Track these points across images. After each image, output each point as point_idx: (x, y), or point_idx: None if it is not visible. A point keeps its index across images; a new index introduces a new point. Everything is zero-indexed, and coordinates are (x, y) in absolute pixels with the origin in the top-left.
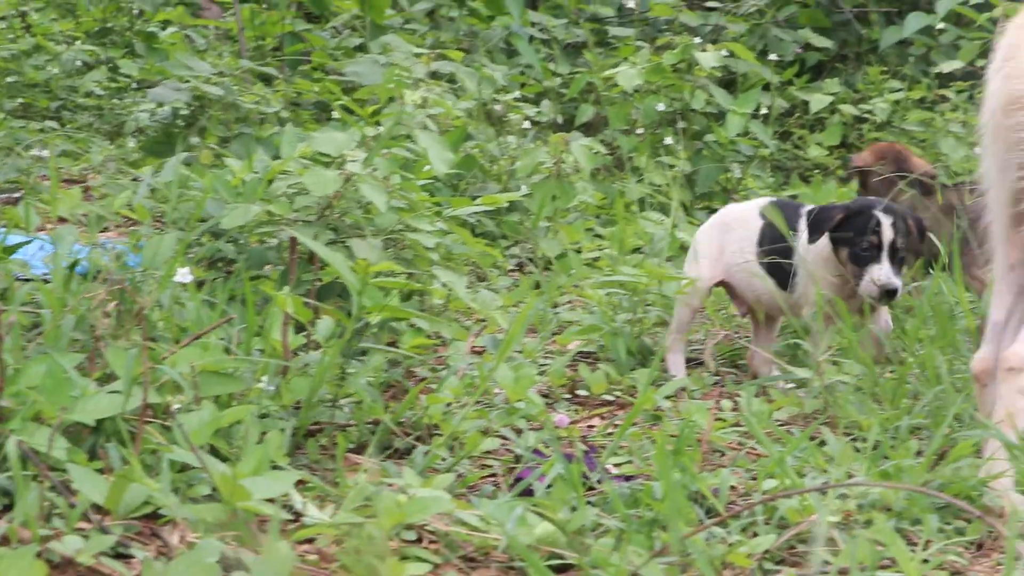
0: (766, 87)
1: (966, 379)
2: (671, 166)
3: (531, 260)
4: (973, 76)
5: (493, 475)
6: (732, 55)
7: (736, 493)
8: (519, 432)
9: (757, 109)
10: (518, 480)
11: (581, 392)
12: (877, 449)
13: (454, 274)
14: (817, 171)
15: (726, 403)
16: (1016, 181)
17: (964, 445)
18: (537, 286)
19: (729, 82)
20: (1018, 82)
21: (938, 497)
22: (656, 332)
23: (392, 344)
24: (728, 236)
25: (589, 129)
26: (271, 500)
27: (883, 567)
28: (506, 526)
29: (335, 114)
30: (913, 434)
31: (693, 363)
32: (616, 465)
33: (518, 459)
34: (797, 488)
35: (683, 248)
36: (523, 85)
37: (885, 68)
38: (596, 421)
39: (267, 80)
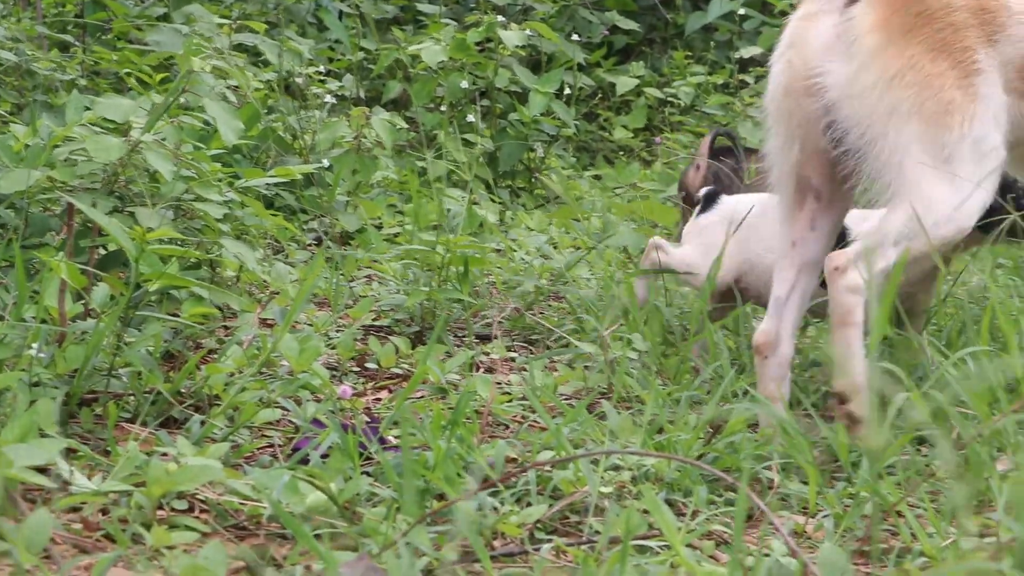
0: (574, 68)
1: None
2: (474, 144)
3: (327, 235)
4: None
5: (271, 445)
6: (539, 35)
7: (515, 465)
8: (300, 403)
9: (562, 90)
10: (296, 450)
11: (371, 366)
12: (653, 423)
13: (244, 246)
14: (622, 153)
15: (515, 377)
16: (797, 161)
17: (738, 420)
18: (329, 260)
19: (538, 63)
20: (799, 68)
21: (706, 470)
22: (451, 308)
23: (175, 315)
24: (747, 231)
25: (397, 106)
26: (42, 470)
27: (652, 536)
28: (272, 494)
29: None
30: (692, 409)
31: (484, 337)
32: (397, 437)
33: (299, 430)
34: (574, 457)
35: (482, 225)
36: (332, 60)
37: (690, 53)
38: (384, 394)
39: (65, 47)
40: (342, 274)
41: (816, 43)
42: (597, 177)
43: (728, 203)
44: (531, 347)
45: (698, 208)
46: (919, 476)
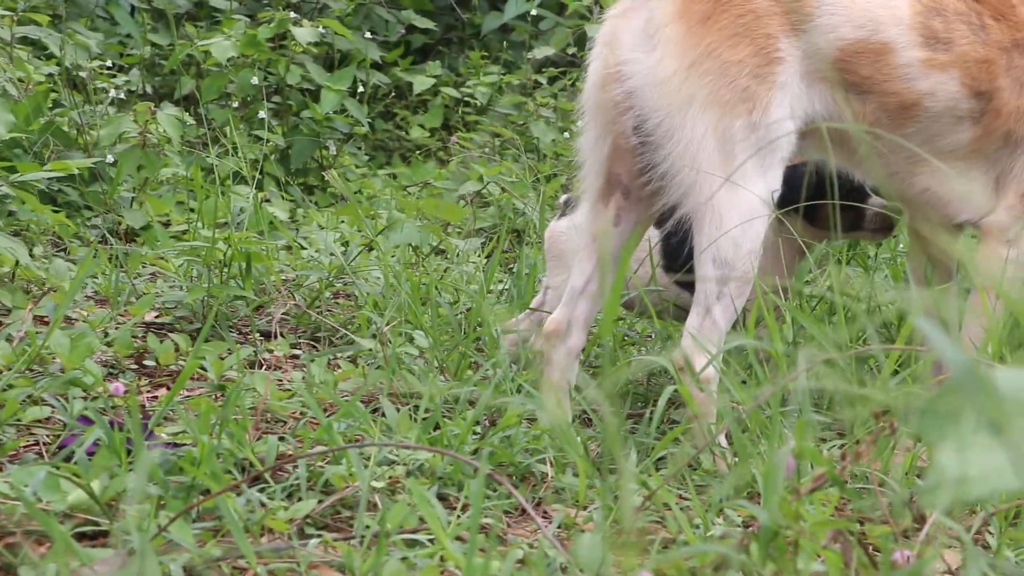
0: (367, 66)
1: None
2: (266, 140)
3: (113, 232)
4: (568, 63)
5: (38, 443)
6: (333, 32)
7: (289, 460)
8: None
9: (356, 88)
10: (62, 448)
11: (150, 363)
12: (429, 418)
13: (16, 241)
14: (418, 152)
15: (297, 374)
16: (607, 156)
17: (512, 414)
18: (113, 259)
19: (333, 61)
20: (611, 63)
21: (473, 463)
22: (234, 305)
23: None
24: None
25: (189, 102)
26: None
27: (420, 530)
28: (25, 492)
29: None
30: (471, 404)
31: (269, 334)
32: (172, 435)
33: (66, 427)
34: (338, 449)
35: (272, 224)
36: (122, 55)
37: (486, 53)
38: (163, 392)
39: None
40: (125, 271)
41: (626, 37)
42: (393, 176)
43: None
44: (316, 344)
45: (558, 214)
46: (687, 468)
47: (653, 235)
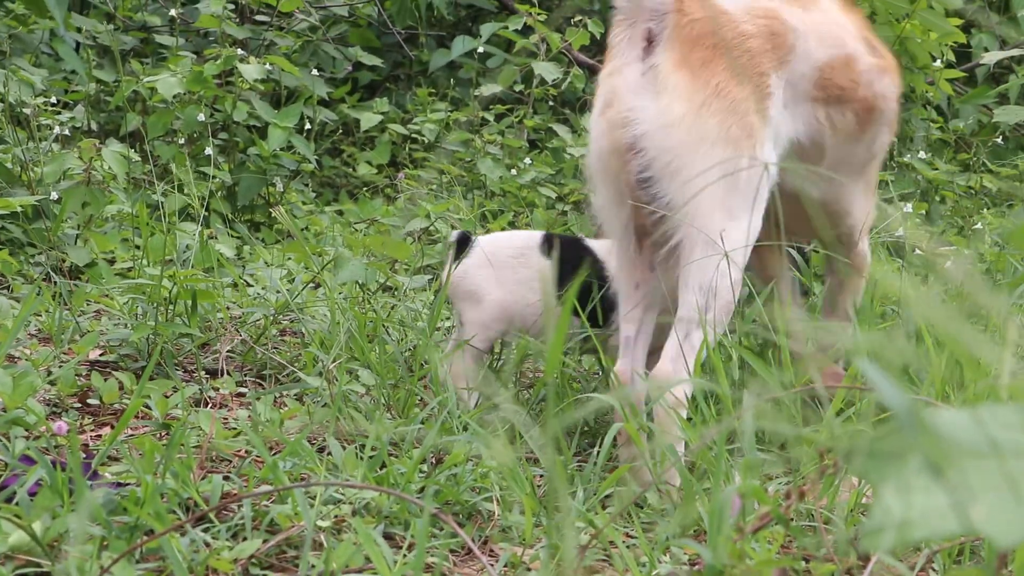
0: (314, 103)
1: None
2: (212, 177)
3: (57, 270)
4: (515, 100)
5: None
6: (280, 69)
7: (234, 499)
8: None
9: (303, 124)
10: (2, 488)
11: (94, 402)
12: (376, 456)
13: None
14: (366, 188)
15: (243, 412)
16: (629, 215)
17: (458, 452)
18: (56, 296)
19: (280, 98)
20: (618, 130)
21: (417, 503)
22: (180, 342)
23: None
24: (506, 273)
25: (135, 139)
26: None
27: (368, 569)
28: None
29: None
30: (417, 442)
31: (215, 372)
32: (116, 474)
33: (7, 467)
34: (283, 488)
35: (219, 260)
36: (66, 92)
37: (434, 90)
38: (107, 431)
39: None
40: (68, 309)
41: (626, 92)
42: (340, 212)
43: (482, 245)
44: (262, 382)
45: (452, 251)
46: (634, 506)
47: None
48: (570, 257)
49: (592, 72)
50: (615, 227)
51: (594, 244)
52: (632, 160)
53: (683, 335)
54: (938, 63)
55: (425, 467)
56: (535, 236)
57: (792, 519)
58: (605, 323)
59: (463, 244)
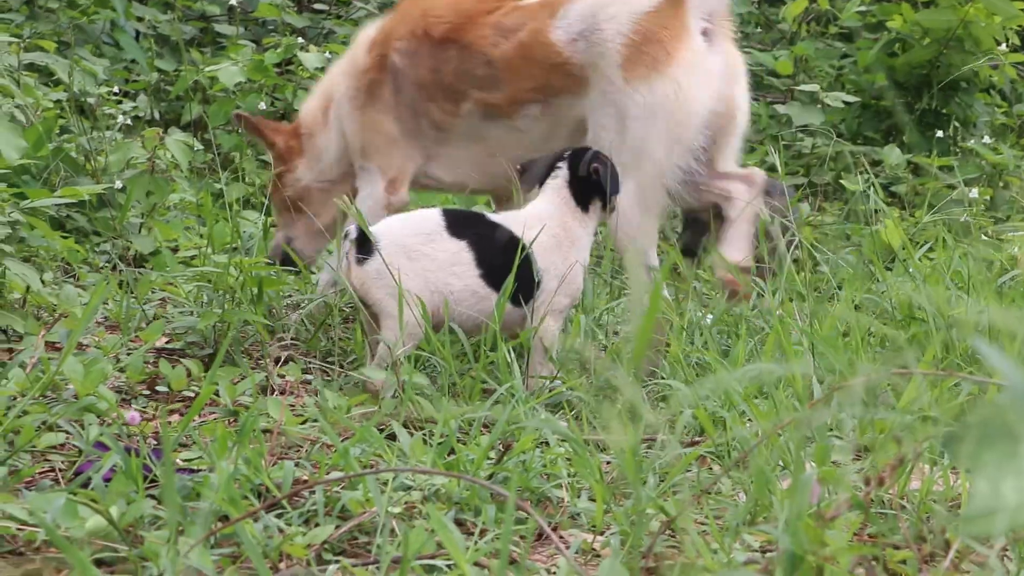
0: None
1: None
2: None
3: (122, 258)
4: None
5: (53, 470)
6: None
7: (306, 486)
8: (84, 427)
9: None
10: (78, 474)
11: (162, 389)
12: (444, 442)
13: (28, 267)
14: None
15: (309, 399)
16: None
17: (526, 439)
18: (122, 284)
19: None
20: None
21: (492, 489)
22: (246, 330)
23: None
24: (424, 261)
25: (196, 128)
26: None
27: (439, 555)
28: (47, 518)
29: None
30: (485, 428)
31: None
32: (187, 460)
33: (81, 454)
34: (356, 475)
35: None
36: (127, 81)
37: None
38: (176, 418)
39: None
40: (135, 297)
41: None
42: None
43: (384, 235)
44: (327, 370)
45: (354, 249)
46: (704, 493)
47: None
48: (486, 235)
49: None
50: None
51: (500, 218)
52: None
53: None
54: (1003, 47)
55: (493, 454)
56: (434, 216)
57: (869, 506)
58: (527, 302)
59: (362, 242)
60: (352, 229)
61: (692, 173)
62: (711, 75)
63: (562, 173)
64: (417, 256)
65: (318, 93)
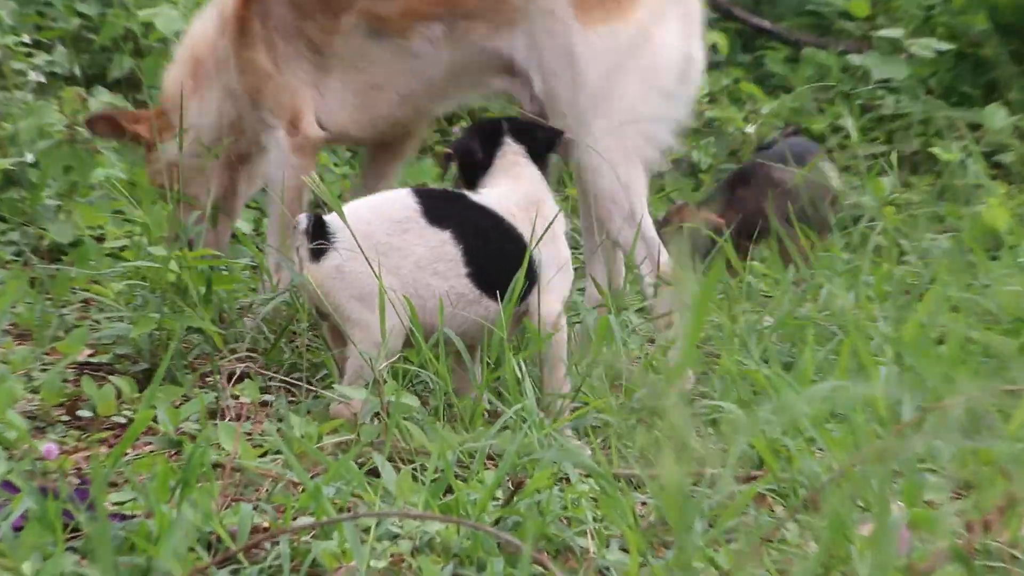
0: None
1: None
2: None
3: (34, 250)
4: None
5: None
6: None
7: (267, 535)
8: None
9: None
10: None
11: (85, 413)
12: (439, 479)
13: None
14: None
15: (270, 425)
16: None
17: (542, 475)
18: (34, 283)
19: None
20: None
21: (501, 537)
22: (190, 339)
23: None
24: (395, 256)
25: (126, 86)
26: None
27: None
28: None
29: None
30: (490, 460)
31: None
32: (119, 504)
33: None
34: (330, 522)
35: (234, 237)
36: (39, 28)
37: None
38: (103, 449)
39: None
40: (50, 298)
41: None
42: None
43: (349, 222)
44: (292, 389)
45: (307, 244)
46: (765, 541)
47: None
48: (472, 221)
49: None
50: None
51: (484, 198)
52: None
53: None
54: None
55: (501, 493)
56: (405, 199)
57: (974, 556)
58: (526, 297)
59: (318, 231)
60: (302, 219)
61: None
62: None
63: (518, 148)
64: (387, 249)
65: (180, 59)
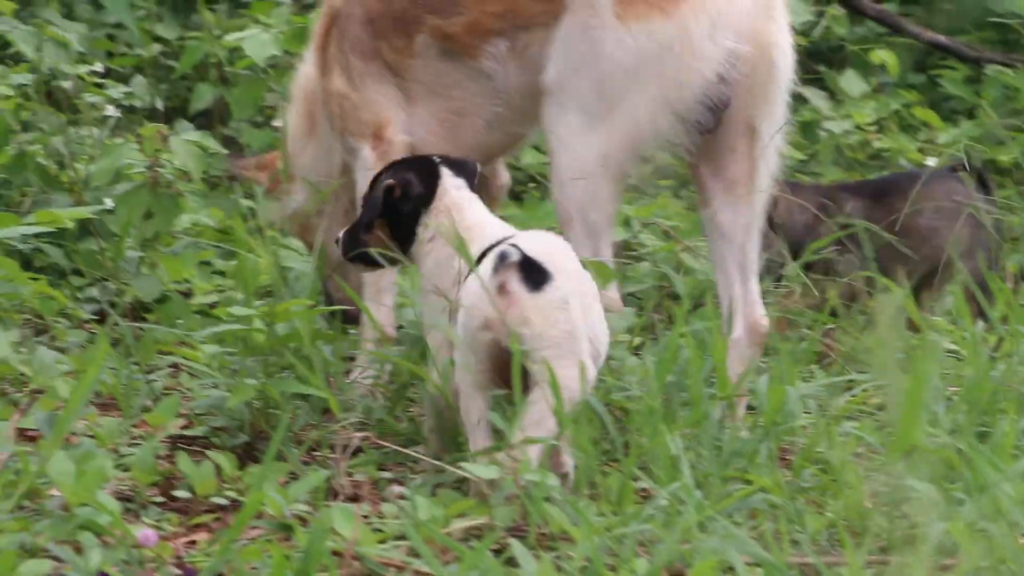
0: None
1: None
2: None
3: (115, 307)
4: None
5: None
6: None
7: None
8: (80, 551)
9: None
10: None
11: (181, 493)
12: (588, 569)
13: None
14: (533, 185)
15: (389, 507)
16: None
17: (704, 565)
18: (117, 343)
19: None
20: None
21: None
22: (295, 408)
23: None
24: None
25: (210, 120)
26: None
27: None
28: None
29: None
30: (642, 547)
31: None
32: None
33: None
34: None
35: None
36: (111, 55)
37: None
38: (203, 535)
39: None
40: (136, 363)
41: None
42: (501, 219)
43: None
44: (410, 464)
45: (518, 275)
46: None
47: None
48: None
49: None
50: None
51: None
52: None
53: None
54: None
55: None
56: (552, 239)
57: None
58: None
59: (530, 269)
60: (511, 251)
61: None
62: (735, 16)
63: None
64: (581, 290)
65: (295, 97)
